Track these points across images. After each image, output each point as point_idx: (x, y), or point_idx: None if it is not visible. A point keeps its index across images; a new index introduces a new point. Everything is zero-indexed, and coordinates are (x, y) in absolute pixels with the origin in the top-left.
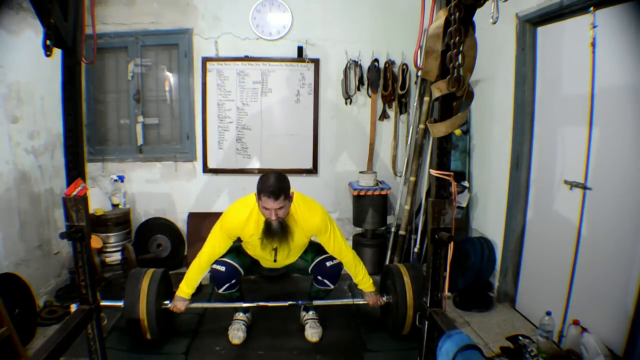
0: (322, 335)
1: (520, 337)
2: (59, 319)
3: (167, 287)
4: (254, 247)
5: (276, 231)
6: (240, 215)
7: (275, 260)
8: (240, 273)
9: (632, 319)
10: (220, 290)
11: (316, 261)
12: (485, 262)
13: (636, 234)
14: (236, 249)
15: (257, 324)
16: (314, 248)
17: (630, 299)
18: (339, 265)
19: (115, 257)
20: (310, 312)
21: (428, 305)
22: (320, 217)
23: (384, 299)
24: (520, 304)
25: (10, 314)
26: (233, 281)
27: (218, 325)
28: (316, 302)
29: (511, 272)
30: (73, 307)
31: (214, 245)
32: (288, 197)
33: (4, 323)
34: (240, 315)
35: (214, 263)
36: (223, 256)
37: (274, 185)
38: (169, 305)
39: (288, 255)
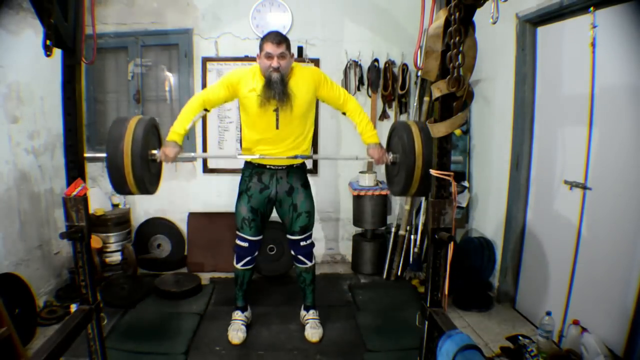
0: (322, 335)
1: (520, 337)
2: (59, 319)
3: (155, 137)
4: (255, 114)
5: (276, 83)
6: (242, 70)
7: (277, 127)
8: (259, 243)
9: (632, 319)
10: (239, 265)
11: (292, 239)
12: (485, 262)
13: (636, 234)
14: (248, 220)
15: (257, 324)
16: (305, 216)
17: (630, 299)
18: (311, 246)
19: (115, 257)
20: (311, 312)
21: (428, 305)
22: (318, 69)
23: (391, 157)
24: (520, 304)
25: (10, 314)
26: (255, 254)
27: (218, 325)
28: (312, 155)
29: (511, 272)
30: (73, 307)
31: (212, 91)
32: (289, 50)
33: (4, 323)
34: (238, 315)
35: (237, 239)
36: (243, 232)
37: (277, 34)
38: (157, 155)
39: (291, 123)
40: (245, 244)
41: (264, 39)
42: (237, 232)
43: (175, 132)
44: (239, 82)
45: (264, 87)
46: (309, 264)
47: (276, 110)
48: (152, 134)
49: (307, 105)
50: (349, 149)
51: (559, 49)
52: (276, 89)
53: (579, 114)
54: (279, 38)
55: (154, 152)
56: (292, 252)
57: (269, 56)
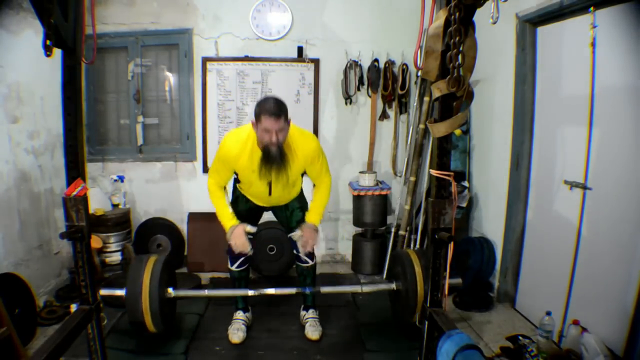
0: (322, 335)
1: (520, 337)
2: (59, 319)
3: (170, 275)
4: (249, 183)
5: (275, 157)
6: (234, 148)
7: (270, 194)
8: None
9: (632, 319)
10: (233, 267)
11: (292, 234)
12: (485, 262)
13: (636, 234)
14: (242, 215)
15: (257, 324)
16: (298, 211)
17: (630, 299)
18: None
19: (115, 257)
20: (310, 311)
21: (428, 305)
22: (315, 143)
23: (394, 285)
24: (520, 304)
25: (10, 314)
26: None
27: (218, 326)
28: (324, 289)
29: (511, 272)
30: (73, 307)
31: (218, 173)
32: (287, 121)
33: (4, 323)
34: (239, 315)
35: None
36: None
37: (275, 106)
38: (231, 242)
39: (283, 189)
40: None
41: (260, 109)
42: None
43: (228, 219)
44: (235, 162)
45: (263, 159)
46: (310, 262)
47: (270, 183)
48: (165, 280)
49: (298, 174)
50: (348, 148)
51: (559, 49)
52: (275, 162)
53: (579, 114)
54: (277, 111)
55: (170, 290)
56: (295, 251)
57: (267, 130)
